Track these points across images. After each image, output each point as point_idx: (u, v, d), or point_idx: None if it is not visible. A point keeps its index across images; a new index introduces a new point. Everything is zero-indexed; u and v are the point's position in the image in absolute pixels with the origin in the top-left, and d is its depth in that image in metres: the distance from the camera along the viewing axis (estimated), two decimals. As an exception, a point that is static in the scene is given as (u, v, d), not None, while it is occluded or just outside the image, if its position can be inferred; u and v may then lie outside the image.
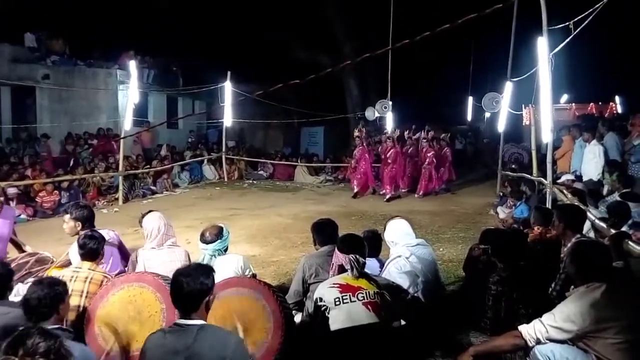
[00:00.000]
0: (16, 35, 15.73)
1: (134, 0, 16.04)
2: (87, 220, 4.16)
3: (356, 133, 12.46)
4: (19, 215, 9.34)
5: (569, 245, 3.58)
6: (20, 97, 15.48)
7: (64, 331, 2.63)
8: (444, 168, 12.36)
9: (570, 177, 7.89)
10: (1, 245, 4.63)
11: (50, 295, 2.62)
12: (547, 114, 6.12)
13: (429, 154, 11.91)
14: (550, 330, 2.65)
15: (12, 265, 4.19)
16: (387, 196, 11.43)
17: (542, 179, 7.43)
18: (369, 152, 12.19)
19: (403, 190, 12.09)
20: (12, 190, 9.75)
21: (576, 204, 5.12)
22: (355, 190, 11.97)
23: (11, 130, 14.88)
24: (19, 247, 4.91)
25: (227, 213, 9.55)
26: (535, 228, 4.46)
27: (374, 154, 12.59)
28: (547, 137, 6.24)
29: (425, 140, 12.15)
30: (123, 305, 3.06)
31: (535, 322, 2.73)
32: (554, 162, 8.38)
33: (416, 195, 11.73)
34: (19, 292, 3.30)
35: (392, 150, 11.69)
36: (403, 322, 3.17)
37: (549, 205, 6.05)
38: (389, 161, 11.66)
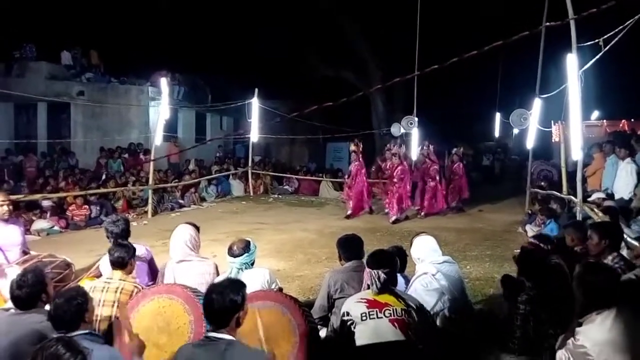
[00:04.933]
0: (53, 54, 16.41)
1: (164, 20, 16.55)
2: (124, 233, 4.28)
3: (352, 147, 11.54)
4: (53, 227, 9.66)
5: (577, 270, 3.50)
6: (56, 113, 16.07)
7: (94, 336, 2.70)
8: (454, 185, 11.91)
9: (601, 195, 7.71)
10: (16, 251, 4.75)
11: (72, 310, 2.67)
12: (577, 130, 6.03)
13: (432, 169, 11.38)
14: None
15: (33, 260, 4.33)
16: (392, 218, 10.52)
17: (572, 197, 7.29)
18: (391, 169, 11.21)
19: (415, 208, 11.46)
20: (46, 203, 10.07)
21: (612, 221, 5.01)
22: (349, 212, 11.13)
23: (46, 144, 15.41)
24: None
25: (252, 227, 9.64)
26: (579, 249, 4.34)
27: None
28: (577, 155, 6.14)
29: (422, 155, 11.55)
30: (152, 316, 3.12)
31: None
32: (584, 180, 8.21)
33: (419, 216, 11.18)
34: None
35: (399, 168, 10.84)
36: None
37: (579, 223, 5.91)
38: (395, 180, 10.76)
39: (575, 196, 6.60)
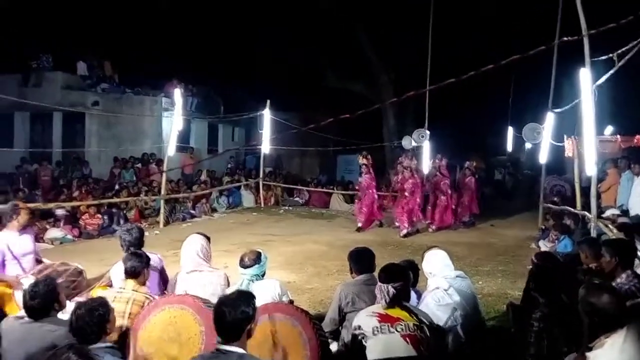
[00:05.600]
0: (69, 64, 16.69)
1: (179, 32, 16.79)
2: (137, 242, 4.31)
3: (361, 160, 11.51)
4: (65, 235, 9.73)
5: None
6: (71, 123, 16.27)
7: (114, 350, 2.71)
8: (465, 199, 11.85)
9: (616, 211, 7.62)
10: (29, 259, 4.79)
11: (94, 321, 2.71)
12: (590, 145, 5.98)
13: (443, 183, 11.34)
14: None
15: (48, 270, 4.37)
16: (403, 232, 10.46)
17: (587, 213, 7.21)
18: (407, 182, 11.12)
19: (425, 222, 11.39)
20: (60, 212, 10.16)
21: (626, 239, 4.93)
22: (359, 224, 11.07)
23: (61, 153, 15.60)
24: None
25: (263, 239, 9.64)
26: (594, 267, 4.28)
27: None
28: (591, 170, 6.09)
29: (433, 169, 11.53)
30: (164, 327, 3.13)
31: None
32: (599, 196, 8.12)
33: (429, 230, 11.12)
34: (67, 309, 3.40)
35: (410, 181, 10.82)
36: None
37: (593, 239, 5.84)
38: (406, 193, 10.75)
39: (590, 212, 6.52)
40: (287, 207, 15.12)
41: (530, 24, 13.76)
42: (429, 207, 11.52)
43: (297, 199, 16.23)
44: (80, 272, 4.61)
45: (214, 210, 13.80)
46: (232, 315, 2.47)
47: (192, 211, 12.81)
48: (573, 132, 8.58)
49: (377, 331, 2.96)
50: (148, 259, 3.79)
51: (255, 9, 16.28)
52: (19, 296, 4.02)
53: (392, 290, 3.03)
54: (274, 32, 16.72)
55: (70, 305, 3.50)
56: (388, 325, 2.96)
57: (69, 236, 9.75)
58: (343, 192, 15.91)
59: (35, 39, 16.14)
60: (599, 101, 6.17)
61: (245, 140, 20.29)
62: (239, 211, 14.10)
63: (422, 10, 11.93)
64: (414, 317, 3.03)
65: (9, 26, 15.46)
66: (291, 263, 7.67)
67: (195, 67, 17.31)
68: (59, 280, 3.69)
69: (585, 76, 5.98)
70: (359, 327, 3.03)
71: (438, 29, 11.58)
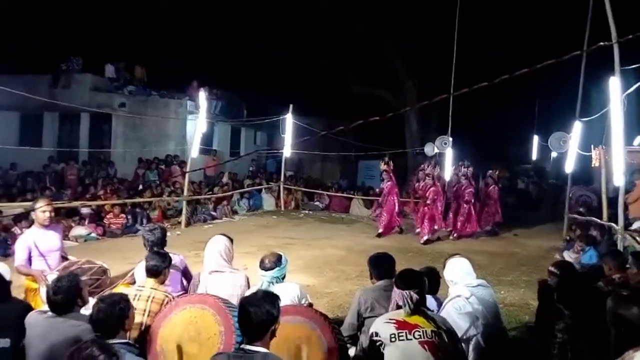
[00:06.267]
0: (98, 67, 17.07)
1: (204, 36, 17.04)
2: (160, 242, 4.36)
3: (382, 167, 11.52)
4: (90, 233, 9.93)
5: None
6: (98, 123, 16.63)
7: (130, 346, 2.74)
8: (488, 208, 11.72)
9: (644, 223, 7.44)
10: (55, 256, 4.87)
11: (115, 314, 2.76)
12: (618, 156, 5.85)
13: (467, 191, 11.22)
14: None
15: (73, 267, 4.45)
16: (424, 238, 10.41)
17: (613, 224, 7.05)
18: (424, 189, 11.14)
19: (447, 230, 11.30)
20: (85, 210, 10.38)
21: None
22: (380, 230, 11.06)
23: (87, 153, 15.94)
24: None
25: (283, 242, 9.67)
26: (616, 277, 4.19)
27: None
28: (618, 180, 5.95)
29: (464, 177, 11.40)
30: (184, 326, 3.15)
31: None
32: (626, 207, 7.92)
33: (451, 237, 11.02)
34: (89, 305, 3.47)
35: (432, 189, 10.78)
36: None
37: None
38: (428, 201, 10.70)
39: (617, 223, 6.37)
40: (307, 211, 15.14)
41: (559, 31, 13.55)
42: (451, 215, 11.41)
43: (317, 203, 16.25)
44: (104, 271, 4.68)
45: (234, 212, 13.90)
46: (259, 315, 2.48)
47: (213, 213, 12.93)
48: (601, 142, 8.39)
49: (395, 338, 2.93)
50: (170, 259, 3.83)
51: (274, 14, 16.43)
52: (43, 291, 4.11)
53: (415, 297, 3.00)
54: (299, 38, 16.82)
55: (92, 302, 3.57)
56: (406, 332, 2.93)
57: (94, 234, 9.95)
58: (363, 197, 15.88)
59: (65, 41, 16.55)
60: (628, 110, 6.04)
61: (267, 144, 20.42)
62: (259, 214, 14.17)
63: (447, 16, 11.85)
64: (432, 324, 2.99)
65: (40, 28, 15.92)
66: (310, 267, 7.67)
67: (219, 70, 17.52)
68: (83, 278, 3.75)
69: (614, 85, 5.88)
70: (377, 334, 3.00)
71: (464, 35, 11.47)
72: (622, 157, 5.84)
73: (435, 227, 10.88)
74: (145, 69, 17.62)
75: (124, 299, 2.90)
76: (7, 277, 3.66)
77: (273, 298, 2.63)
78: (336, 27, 16.51)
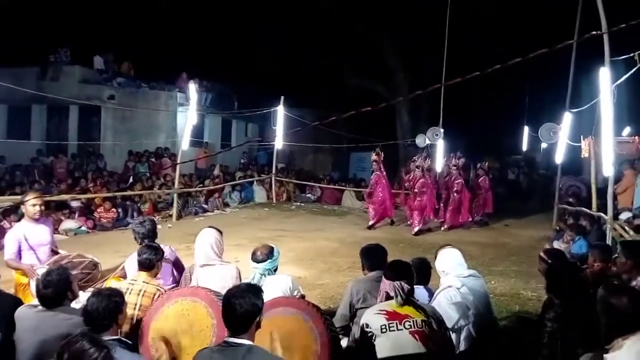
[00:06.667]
0: (86, 58, 16.86)
1: (194, 27, 16.88)
2: (151, 234, 4.33)
3: (373, 157, 11.46)
4: (80, 227, 9.86)
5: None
6: (87, 116, 16.47)
7: (122, 342, 2.73)
8: (479, 198, 11.81)
9: (629, 214, 7.51)
10: (45, 250, 4.83)
11: (109, 307, 2.73)
12: (608, 146, 5.90)
13: (456, 182, 11.28)
14: None
15: (64, 261, 4.41)
16: (415, 229, 10.49)
17: (603, 214, 7.11)
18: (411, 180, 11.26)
19: (438, 221, 11.39)
20: (75, 204, 10.30)
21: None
22: (371, 222, 11.07)
23: (77, 146, 15.79)
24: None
25: (274, 234, 9.66)
26: (595, 265, 4.26)
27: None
28: (608, 171, 6.00)
29: (455, 168, 11.48)
30: (176, 319, 3.14)
31: None
32: (615, 197, 8.00)
33: (442, 228, 11.09)
34: (80, 299, 3.45)
35: (421, 181, 10.88)
36: None
37: (609, 241, 5.78)
38: (416, 191, 10.81)
39: (606, 213, 6.43)
40: (298, 203, 15.14)
41: (548, 22, 13.58)
42: (441, 206, 11.46)
43: (309, 195, 16.25)
44: (95, 265, 4.65)
45: (226, 204, 13.87)
46: (244, 307, 2.48)
47: (205, 205, 12.89)
48: (590, 132, 8.45)
49: (386, 329, 2.95)
50: (162, 252, 3.82)
51: (266, 8, 16.30)
52: (34, 285, 4.08)
53: (406, 287, 3.02)
54: (293, 32, 16.73)
55: (83, 296, 3.55)
56: (396, 323, 2.95)
57: (84, 228, 9.89)
58: (355, 189, 15.90)
59: (53, 32, 16.32)
60: (618, 101, 6.07)
61: (259, 136, 20.33)
62: (250, 206, 14.15)
63: (438, 8, 11.84)
64: (422, 313, 3.02)
65: (28, 20, 15.68)
66: (302, 259, 7.68)
67: (210, 62, 17.39)
68: (74, 272, 3.72)
69: (604, 75, 5.90)
70: (367, 326, 3.02)
71: (453, 26, 11.47)
72: (612, 147, 5.88)
73: (426, 218, 10.92)
74: (131, 63, 17.42)
75: (119, 294, 2.89)
76: (-4, 271, 3.62)
77: (256, 290, 2.63)
78: (331, 23, 16.43)
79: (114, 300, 2.77)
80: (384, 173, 11.41)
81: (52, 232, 5.21)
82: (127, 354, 2.64)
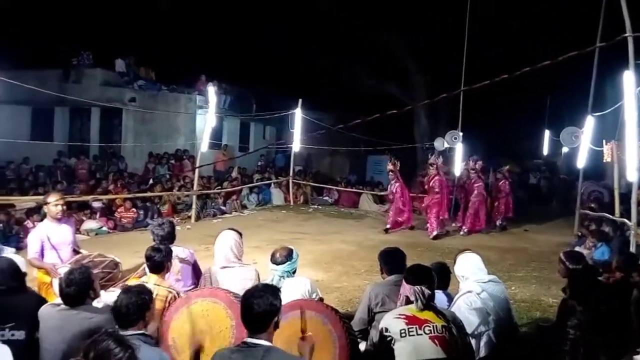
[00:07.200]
0: (108, 61, 17.14)
1: (214, 31, 17.04)
2: (169, 236, 4.36)
3: (389, 167, 11.32)
4: (101, 227, 10.01)
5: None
6: (108, 118, 16.71)
7: (146, 337, 2.77)
8: (499, 203, 11.65)
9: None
10: (67, 249, 4.92)
11: (138, 303, 2.78)
12: (632, 151, 5.77)
13: (476, 185, 11.16)
14: None
15: (85, 260, 4.48)
16: (433, 233, 10.35)
17: (626, 220, 6.96)
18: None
19: (457, 225, 11.30)
20: (96, 204, 10.46)
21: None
22: (388, 225, 11.01)
23: (98, 148, 16.04)
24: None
25: (292, 236, 9.68)
26: (617, 274, 4.17)
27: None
28: (632, 176, 5.87)
29: (473, 172, 11.33)
30: (196, 319, 3.17)
31: None
32: (639, 203, 7.83)
33: (461, 233, 10.97)
34: (101, 298, 3.49)
35: (435, 178, 10.76)
36: None
37: (632, 249, 5.66)
38: (436, 190, 10.66)
39: (629, 219, 6.30)
40: (316, 206, 15.14)
41: (571, 24, 13.38)
42: (460, 210, 11.34)
43: (326, 198, 16.24)
44: (116, 265, 4.71)
45: (244, 207, 13.94)
46: (262, 307, 2.49)
47: (223, 207, 12.98)
48: (613, 137, 8.28)
49: (405, 333, 2.93)
50: (169, 252, 3.82)
51: (282, 10, 16.37)
52: (56, 284, 4.15)
53: (427, 292, 3.00)
54: (310, 35, 16.77)
55: (104, 295, 3.60)
56: (416, 327, 2.93)
57: (105, 228, 10.03)
58: (372, 192, 15.85)
59: (76, 36, 16.63)
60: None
61: (276, 139, 20.39)
62: (268, 209, 14.20)
63: (459, 13, 11.76)
64: (442, 319, 2.99)
65: (52, 24, 16.00)
66: (320, 262, 7.68)
67: (228, 65, 17.53)
68: (95, 271, 3.77)
69: (628, 79, 5.79)
70: (386, 330, 3.00)
71: (474, 29, 11.38)
72: (636, 152, 5.76)
73: (443, 221, 10.84)
74: (150, 68, 17.66)
75: (149, 292, 2.93)
76: (23, 268, 3.69)
77: (274, 290, 2.65)
78: (346, 28, 16.44)
79: (142, 297, 2.82)
80: (402, 181, 11.30)
81: (74, 232, 5.30)
82: (149, 349, 2.67)
